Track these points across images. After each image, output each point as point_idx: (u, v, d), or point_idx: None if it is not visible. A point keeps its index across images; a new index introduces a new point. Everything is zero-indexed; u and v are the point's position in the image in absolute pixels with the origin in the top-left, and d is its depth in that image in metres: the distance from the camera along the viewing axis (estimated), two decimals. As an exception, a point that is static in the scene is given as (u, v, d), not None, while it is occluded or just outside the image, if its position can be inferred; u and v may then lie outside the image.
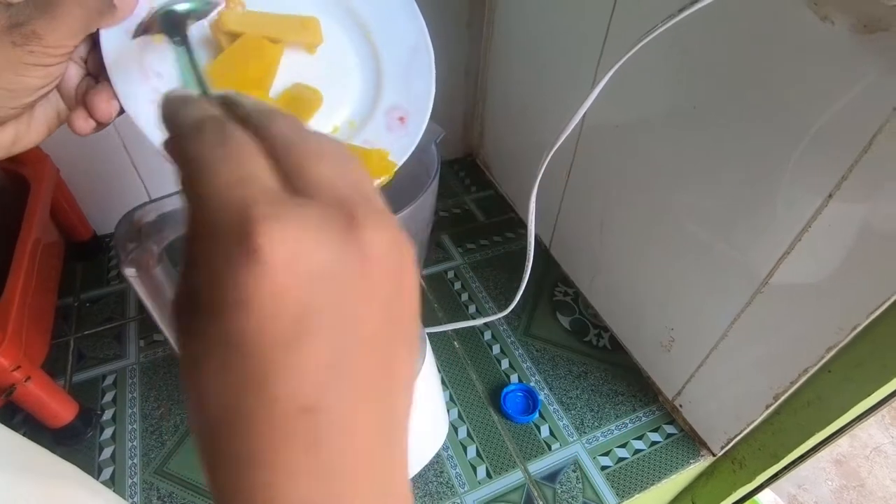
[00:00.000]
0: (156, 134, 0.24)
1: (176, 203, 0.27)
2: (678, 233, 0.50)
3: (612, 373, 0.62)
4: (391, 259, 0.13)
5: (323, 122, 0.29)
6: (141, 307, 0.66)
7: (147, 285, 0.28)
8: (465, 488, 0.51)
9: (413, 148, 0.29)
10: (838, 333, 0.38)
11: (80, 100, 0.24)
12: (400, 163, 0.29)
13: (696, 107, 0.44)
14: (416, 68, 0.30)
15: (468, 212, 0.82)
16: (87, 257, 0.71)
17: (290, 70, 0.27)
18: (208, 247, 0.12)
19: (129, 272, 0.27)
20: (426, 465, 0.51)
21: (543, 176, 0.43)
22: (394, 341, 0.14)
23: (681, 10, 0.29)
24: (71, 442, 0.53)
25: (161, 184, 0.73)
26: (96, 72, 0.24)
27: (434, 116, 0.34)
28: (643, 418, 0.58)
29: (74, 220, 0.68)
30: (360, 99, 0.30)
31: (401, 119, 0.30)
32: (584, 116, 0.60)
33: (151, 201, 0.27)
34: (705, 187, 0.46)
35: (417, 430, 0.48)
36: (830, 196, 0.36)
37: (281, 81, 0.27)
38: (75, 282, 0.69)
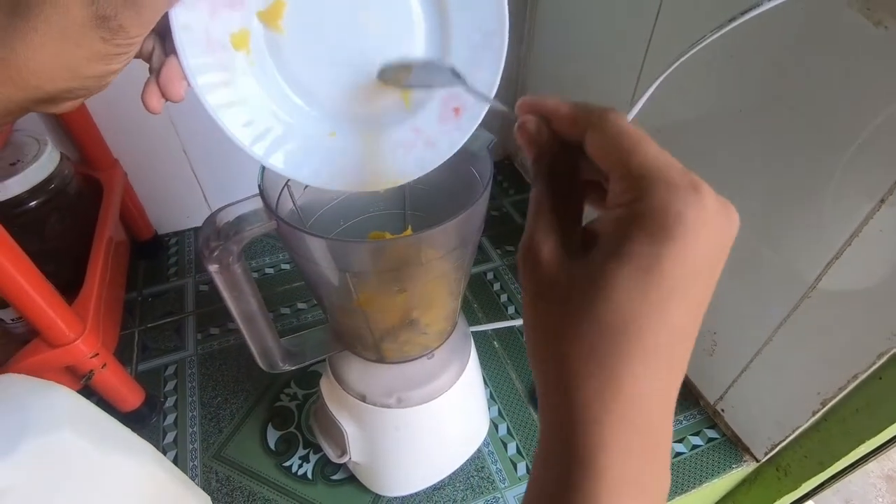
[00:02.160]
0: (223, 111, 0.25)
1: (252, 205, 0.30)
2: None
3: (652, 376, 0.62)
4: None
5: (379, 96, 0.27)
6: (199, 302, 0.70)
7: (227, 281, 0.31)
8: (506, 484, 0.53)
9: (461, 144, 0.28)
10: (890, 339, 0.38)
11: (154, 76, 0.25)
12: (443, 160, 0.28)
13: (742, 110, 0.44)
14: (486, 56, 0.27)
15: (506, 214, 0.84)
16: (150, 255, 0.77)
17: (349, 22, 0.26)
18: (661, 186, 0.17)
19: (213, 269, 0.29)
20: (468, 460, 0.53)
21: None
22: (702, 300, 0.17)
23: (731, 20, 0.30)
24: (137, 426, 0.57)
25: (216, 186, 0.77)
26: (162, 32, 0.24)
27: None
28: (684, 422, 0.58)
29: (139, 220, 0.73)
30: None
31: (455, 110, 0.28)
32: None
33: (231, 204, 0.30)
34: (750, 191, 0.46)
35: (460, 426, 0.50)
36: (883, 201, 0.36)
37: (339, 23, 0.26)
38: (138, 278, 0.74)
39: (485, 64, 0.27)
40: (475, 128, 0.28)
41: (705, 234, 0.16)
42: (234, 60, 0.25)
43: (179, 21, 0.23)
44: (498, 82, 0.28)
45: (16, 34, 0.20)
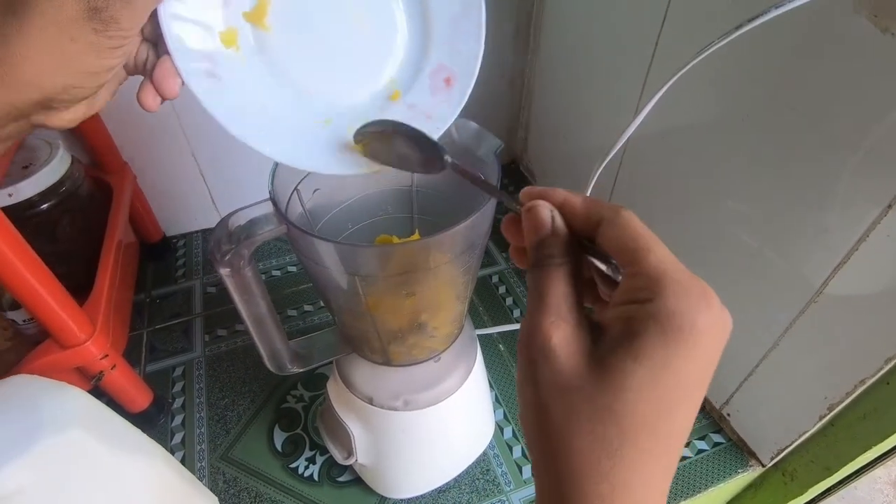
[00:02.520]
0: (214, 105, 0.25)
1: (263, 209, 0.30)
2: (727, 241, 0.50)
3: (658, 380, 0.62)
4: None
5: (369, 81, 0.28)
6: (206, 304, 0.71)
7: (238, 284, 0.31)
8: (511, 486, 0.53)
9: (456, 114, 0.29)
10: (898, 345, 0.38)
11: (148, 76, 0.25)
12: (443, 130, 0.28)
13: (749, 115, 0.45)
14: (466, 27, 0.28)
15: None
16: (158, 257, 0.77)
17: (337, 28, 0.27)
18: (678, 290, 0.17)
19: (224, 272, 0.30)
20: (473, 463, 0.53)
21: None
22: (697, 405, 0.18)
23: (737, 28, 0.30)
24: (146, 426, 0.57)
25: (224, 189, 0.78)
26: (153, 39, 0.25)
27: (478, 122, 0.35)
28: (689, 426, 0.58)
29: (148, 222, 0.74)
30: (407, 57, 0.28)
31: (447, 81, 0.28)
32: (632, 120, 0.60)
33: (242, 208, 0.30)
34: (756, 196, 0.46)
35: (466, 429, 0.50)
36: (890, 206, 0.36)
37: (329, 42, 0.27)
38: (147, 280, 0.74)
39: (466, 35, 0.28)
40: (468, 96, 0.29)
41: (712, 340, 0.17)
42: (224, 57, 0.26)
43: (169, 16, 0.24)
44: (482, 53, 0.29)
45: (10, 29, 0.20)
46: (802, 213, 0.42)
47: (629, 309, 0.17)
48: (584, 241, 0.20)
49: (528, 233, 0.21)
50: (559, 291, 0.19)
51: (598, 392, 0.17)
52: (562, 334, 0.18)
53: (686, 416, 0.17)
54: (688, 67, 0.37)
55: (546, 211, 0.20)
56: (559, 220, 0.20)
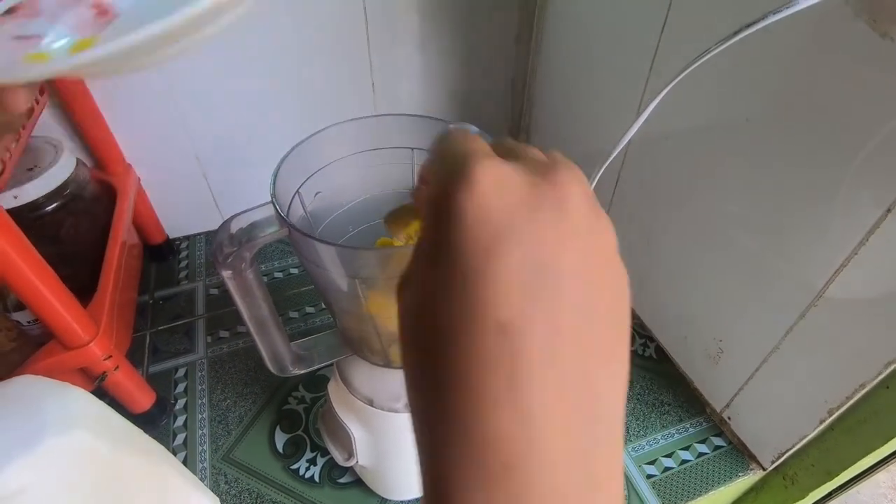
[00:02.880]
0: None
1: (265, 212, 0.30)
2: (728, 244, 0.50)
3: (658, 382, 0.62)
4: (585, 207, 0.15)
5: None
6: (209, 305, 0.71)
7: (240, 286, 0.31)
8: (511, 489, 0.53)
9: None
10: (897, 349, 0.38)
11: None
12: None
13: (749, 119, 0.45)
14: None
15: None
16: (161, 259, 0.78)
17: None
18: (438, 179, 0.15)
19: (226, 274, 0.30)
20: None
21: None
22: (593, 300, 0.14)
23: (735, 33, 0.30)
24: (148, 427, 0.58)
25: (227, 191, 0.78)
26: None
27: (480, 126, 0.35)
28: (690, 429, 0.58)
29: (151, 224, 0.74)
30: None
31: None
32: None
33: (244, 211, 0.30)
34: (757, 198, 0.46)
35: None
36: (889, 210, 0.36)
37: None
38: (150, 281, 0.75)
39: None
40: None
41: (483, 221, 0.14)
42: None
43: None
44: None
45: None
46: (804, 216, 0.42)
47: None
48: None
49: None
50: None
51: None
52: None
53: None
54: (686, 72, 0.37)
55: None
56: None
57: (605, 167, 0.41)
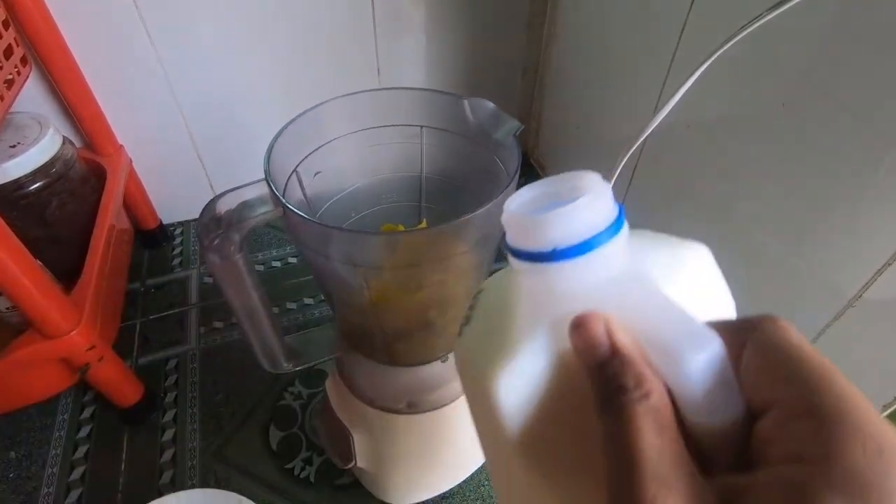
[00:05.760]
0: None
1: (257, 191, 0.27)
2: (750, 242, 0.47)
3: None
4: None
5: None
6: (202, 294, 0.68)
7: (228, 272, 0.28)
8: (518, 495, 0.50)
9: None
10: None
11: None
12: None
13: (784, 105, 0.41)
14: None
15: (522, 212, 0.81)
16: (154, 245, 0.75)
17: None
18: (871, 445, 0.11)
19: (213, 258, 0.27)
20: (478, 469, 0.50)
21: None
22: None
23: (774, 8, 0.27)
24: (136, 422, 0.55)
25: (223, 176, 0.75)
26: None
27: None
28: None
29: (143, 208, 0.71)
30: None
31: None
32: (651, 114, 0.57)
33: (233, 189, 0.27)
34: (785, 193, 0.43)
35: (472, 433, 0.47)
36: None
37: None
38: (142, 268, 0.72)
39: None
40: None
41: None
42: None
43: None
44: None
45: None
46: (838, 212, 0.39)
47: (787, 471, 0.11)
48: None
49: (584, 357, 0.15)
50: (651, 442, 0.12)
51: None
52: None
53: None
54: (721, 51, 0.33)
55: (598, 324, 0.14)
56: (621, 336, 0.14)
57: (626, 158, 0.38)
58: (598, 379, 0.14)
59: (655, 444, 0.12)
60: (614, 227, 0.14)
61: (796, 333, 0.13)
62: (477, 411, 0.18)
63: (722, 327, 0.14)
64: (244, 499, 0.44)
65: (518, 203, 0.15)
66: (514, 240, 0.15)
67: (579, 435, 0.14)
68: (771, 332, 0.14)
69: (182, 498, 0.45)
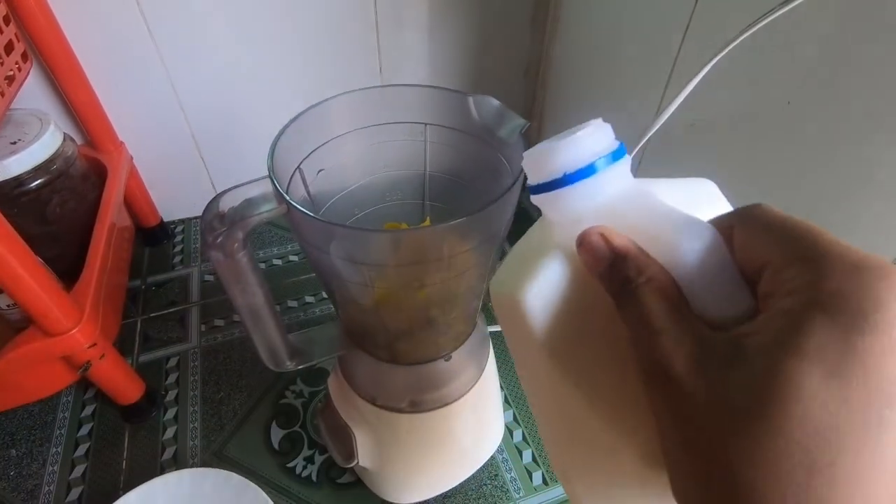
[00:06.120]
0: None
1: (261, 188, 0.27)
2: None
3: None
4: None
5: None
6: (204, 292, 0.68)
7: (231, 271, 0.28)
8: (521, 494, 0.50)
9: None
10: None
11: None
12: None
13: (791, 102, 0.41)
14: None
15: (523, 210, 0.80)
16: (154, 242, 0.74)
17: None
18: (848, 268, 0.13)
19: (216, 256, 0.27)
20: (481, 468, 0.50)
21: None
22: None
23: (783, 4, 0.26)
24: (137, 420, 0.55)
25: (225, 173, 0.75)
26: None
27: None
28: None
29: (144, 206, 0.71)
30: None
31: None
32: (656, 114, 0.57)
33: (236, 186, 0.27)
34: (789, 192, 0.43)
35: (475, 432, 0.47)
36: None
37: None
38: (143, 265, 0.72)
39: None
40: None
41: None
42: None
43: None
44: None
45: None
46: (851, 213, 0.39)
47: (784, 303, 0.13)
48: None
49: (591, 267, 0.17)
50: (658, 309, 0.15)
51: (759, 415, 0.12)
52: (684, 358, 0.14)
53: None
54: (732, 46, 0.33)
55: (595, 237, 0.16)
56: (617, 240, 0.16)
57: (634, 153, 0.38)
58: (607, 282, 0.16)
59: (662, 309, 0.15)
60: (615, 153, 0.17)
61: (780, 210, 0.15)
62: (512, 337, 0.19)
63: (716, 221, 0.16)
64: (233, 474, 0.45)
65: (534, 148, 0.18)
66: (532, 177, 0.18)
67: (604, 343, 0.17)
68: (757, 210, 0.15)
69: (184, 476, 0.46)
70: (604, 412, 0.16)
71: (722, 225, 0.16)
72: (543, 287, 0.17)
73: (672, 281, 0.15)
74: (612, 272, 0.16)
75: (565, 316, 0.17)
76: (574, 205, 0.17)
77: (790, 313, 0.13)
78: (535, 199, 0.18)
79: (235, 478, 0.45)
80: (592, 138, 0.17)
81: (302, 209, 0.26)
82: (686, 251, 0.15)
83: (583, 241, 0.17)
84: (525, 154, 0.18)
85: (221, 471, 0.46)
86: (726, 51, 0.32)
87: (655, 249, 0.16)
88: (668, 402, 0.14)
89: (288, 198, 0.26)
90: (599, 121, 0.17)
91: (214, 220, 0.27)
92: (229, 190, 0.28)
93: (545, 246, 0.18)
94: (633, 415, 0.16)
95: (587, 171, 0.16)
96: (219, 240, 0.26)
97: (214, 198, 0.27)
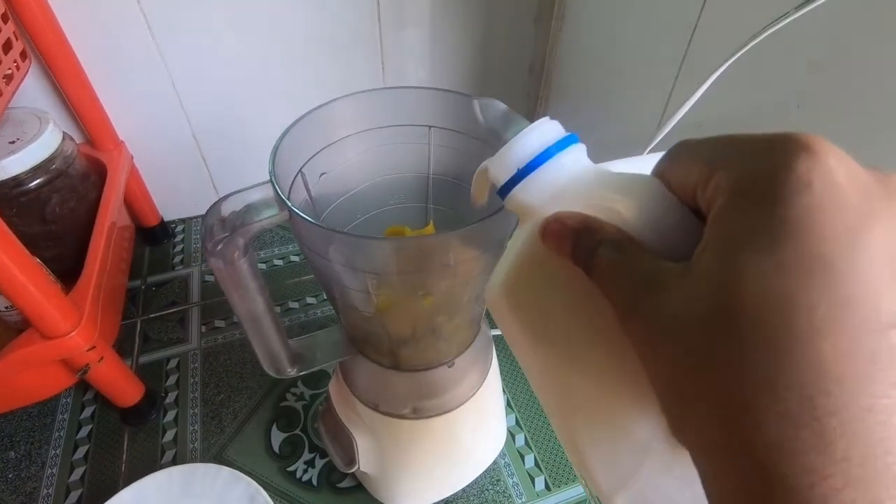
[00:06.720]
0: None
1: (262, 193, 0.26)
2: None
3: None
4: None
5: None
6: (204, 293, 0.67)
7: (232, 277, 0.27)
8: (523, 499, 0.49)
9: None
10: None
11: None
12: None
13: (800, 105, 0.40)
14: None
15: (526, 211, 0.80)
16: (155, 242, 0.74)
17: None
18: (760, 154, 0.13)
19: (216, 264, 0.26)
20: (482, 473, 0.50)
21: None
22: None
23: (798, 7, 0.26)
24: (136, 422, 0.54)
25: (225, 173, 0.74)
26: None
27: None
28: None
29: (145, 205, 0.70)
30: None
31: None
32: (662, 115, 0.56)
33: (238, 191, 0.26)
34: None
35: (478, 438, 0.46)
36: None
37: None
38: (143, 265, 0.71)
39: None
40: None
41: (837, 198, 0.12)
42: None
43: None
44: None
45: None
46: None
47: (713, 213, 0.14)
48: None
49: (559, 252, 0.17)
50: (620, 259, 0.15)
51: (726, 316, 0.12)
52: (645, 288, 0.14)
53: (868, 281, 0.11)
54: (748, 48, 0.32)
55: (552, 224, 0.17)
56: (569, 220, 0.17)
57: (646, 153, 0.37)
58: (575, 258, 0.17)
59: (624, 259, 0.15)
60: (564, 140, 0.18)
61: (701, 137, 0.15)
62: (505, 330, 0.20)
63: (654, 169, 0.17)
64: (223, 467, 0.46)
65: (491, 158, 0.19)
66: (499, 181, 0.19)
67: (586, 316, 0.17)
68: (680, 144, 0.16)
69: (174, 472, 0.46)
70: (597, 378, 0.17)
71: (659, 171, 0.17)
72: (522, 277, 0.18)
73: (626, 235, 0.16)
74: (576, 250, 0.17)
75: (547, 301, 0.18)
76: (536, 195, 0.18)
77: (718, 217, 0.13)
78: (507, 205, 0.19)
79: (226, 471, 0.45)
80: (538, 132, 0.18)
81: (304, 216, 0.25)
82: (629, 207, 0.16)
83: (544, 232, 0.17)
84: (487, 163, 0.19)
85: (211, 465, 0.46)
86: (744, 51, 0.31)
87: (609, 216, 0.17)
88: (643, 339, 0.15)
89: (290, 204, 0.26)
90: (546, 118, 0.19)
91: (215, 226, 0.26)
92: (231, 195, 0.27)
93: (518, 240, 0.19)
94: (622, 374, 0.17)
95: (539, 160, 0.18)
96: (219, 247, 0.25)
97: (215, 203, 0.26)
